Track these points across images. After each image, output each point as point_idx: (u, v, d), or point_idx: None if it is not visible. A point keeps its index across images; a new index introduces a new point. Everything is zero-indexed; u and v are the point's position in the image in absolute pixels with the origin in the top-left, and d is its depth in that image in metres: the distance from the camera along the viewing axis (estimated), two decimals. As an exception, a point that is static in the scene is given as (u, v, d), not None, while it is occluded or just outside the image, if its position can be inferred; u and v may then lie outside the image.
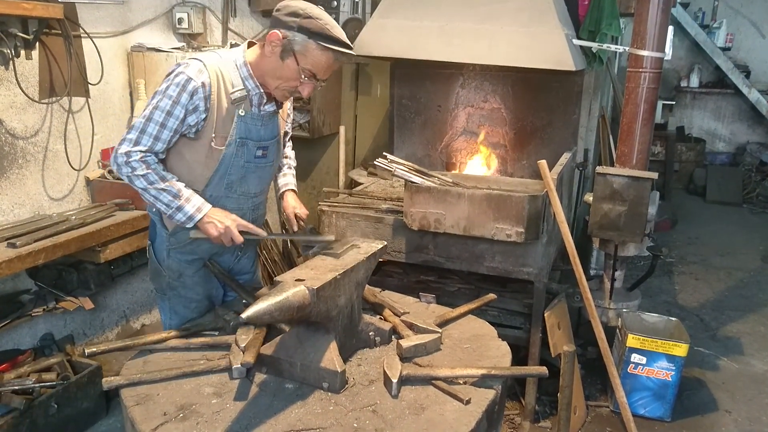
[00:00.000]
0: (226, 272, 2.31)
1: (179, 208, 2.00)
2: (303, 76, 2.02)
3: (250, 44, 2.14)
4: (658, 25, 2.82)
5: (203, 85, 1.97)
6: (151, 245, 2.27)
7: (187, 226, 2.04)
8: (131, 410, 1.63)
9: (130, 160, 1.97)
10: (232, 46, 2.17)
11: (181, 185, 2.02)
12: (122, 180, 3.14)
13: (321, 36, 1.96)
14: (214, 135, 2.04)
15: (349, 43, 2.03)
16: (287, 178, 2.52)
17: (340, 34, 2.00)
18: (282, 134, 2.32)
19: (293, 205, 2.45)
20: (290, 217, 2.42)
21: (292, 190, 2.50)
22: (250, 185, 2.21)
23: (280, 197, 2.49)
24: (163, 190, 1.99)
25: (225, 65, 2.05)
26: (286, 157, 2.54)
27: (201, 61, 2.00)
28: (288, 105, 2.37)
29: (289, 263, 4.49)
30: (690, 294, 4.86)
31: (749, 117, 8.48)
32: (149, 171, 1.98)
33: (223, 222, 2.02)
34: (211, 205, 2.05)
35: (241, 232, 2.06)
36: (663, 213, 6.18)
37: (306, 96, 2.12)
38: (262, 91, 2.10)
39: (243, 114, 2.07)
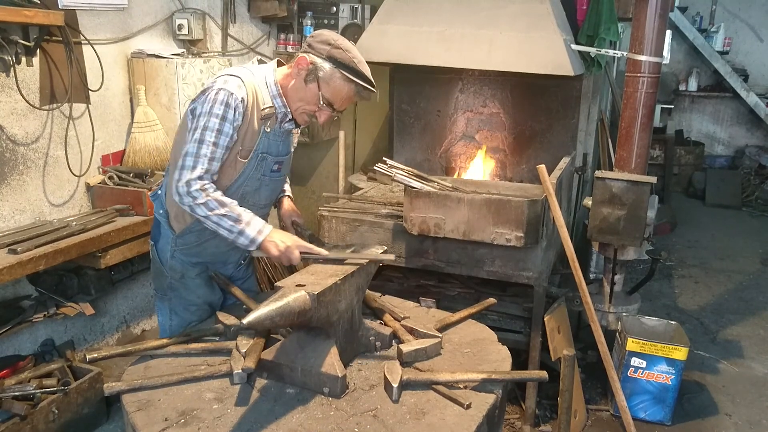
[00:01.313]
0: (231, 282, 2.34)
1: (241, 233, 1.97)
2: (321, 103, 2.07)
3: (279, 63, 2.19)
4: (655, 29, 2.84)
5: (242, 100, 2.00)
6: (154, 246, 2.28)
7: (250, 249, 2.01)
8: (132, 416, 1.63)
9: (191, 189, 1.94)
10: (259, 62, 2.19)
11: (240, 209, 1.99)
12: (122, 186, 3.23)
13: (347, 68, 2.02)
14: (241, 148, 2.07)
15: (372, 80, 2.08)
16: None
17: (366, 70, 2.06)
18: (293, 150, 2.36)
19: (290, 213, 2.46)
20: (288, 225, 2.43)
21: (288, 197, 2.51)
22: (261, 197, 2.24)
23: (276, 204, 2.49)
24: (224, 215, 1.96)
25: (258, 82, 2.09)
26: None
27: (239, 77, 2.02)
28: None
29: (290, 268, 4.49)
30: (689, 297, 4.87)
31: (748, 120, 8.49)
32: (209, 198, 1.95)
33: (285, 242, 1.99)
34: (271, 226, 2.03)
35: (301, 253, 2.03)
36: (662, 216, 6.18)
37: (321, 122, 2.17)
38: (287, 110, 2.14)
39: (269, 130, 2.11)
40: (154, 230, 2.28)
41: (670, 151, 7.75)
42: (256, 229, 1.98)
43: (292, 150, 2.33)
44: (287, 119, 2.16)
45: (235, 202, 2.01)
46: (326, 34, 2.07)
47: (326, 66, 2.02)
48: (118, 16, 3.36)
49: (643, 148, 2.99)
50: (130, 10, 3.42)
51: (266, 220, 2.38)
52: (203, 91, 2.03)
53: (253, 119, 2.06)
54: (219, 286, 2.34)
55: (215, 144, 1.98)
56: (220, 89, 1.98)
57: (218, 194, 1.98)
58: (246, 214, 1.99)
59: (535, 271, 2.84)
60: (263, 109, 2.08)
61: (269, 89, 2.11)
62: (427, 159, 4.09)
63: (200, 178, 1.95)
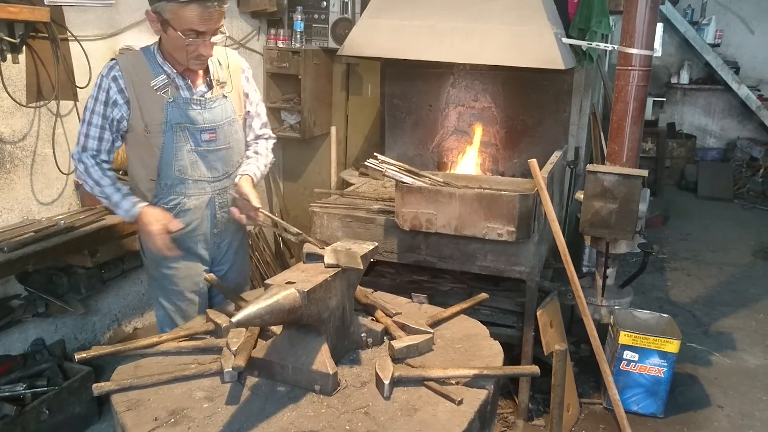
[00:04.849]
0: (222, 284, 2.32)
1: (117, 210, 2.24)
2: (187, 39, 2.03)
3: None
4: (646, 22, 2.83)
5: (114, 78, 2.12)
6: (139, 237, 2.36)
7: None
8: (122, 416, 1.62)
9: (73, 159, 2.23)
10: None
11: (110, 190, 2.20)
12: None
13: None
14: (144, 124, 2.15)
15: None
16: (245, 167, 2.36)
17: None
18: (238, 116, 2.31)
19: (240, 194, 2.25)
20: (240, 206, 2.27)
21: (244, 177, 2.29)
22: (205, 170, 2.25)
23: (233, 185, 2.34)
24: (100, 195, 2.24)
25: (145, 56, 2.17)
26: (251, 149, 2.46)
27: (115, 59, 2.18)
28: (244, 85, 2.35)
29: (282, 265, 4.48)
30: (682, 290, 4.88)
31: (739, 113, 8.53)
32: (87, 177, 2.21)
33: (151, 230, 2.16)
34: (140, 209, 2.17)
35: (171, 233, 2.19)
36: (654, 209, 6.20)
37: (208, 54, 2.11)
38: (178, 71, 2.17)
39: (171, 100, 2.15)
40: None
41: (662, 144, 7.77)
42: (123, 211, 2.21)
43: (235, 116, 2.29)
44: (199, 82, 2.21)
45: (110, 182, 2.21)
46: None
47: (162, 7, 1.99)
48: (105, 12, 3.32)
49: (634, 141, 2.98)
50: (117, 6, 3.38)
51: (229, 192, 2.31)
52: None
53: (142, 94, 2.14)
54: (216, 288, 2.33)
55: (89, 123, 2.17)
56: (99, 74, 2.16)
57: (95, 171, 2.19)
58: (115, 196, 2.20)
59: (528, 266, 2.83)
60: (153, 81, 2.14)
61: (157, 58, 2.16)
62: (419, 154, 4.08)
63: (83, 150, 2.19)
